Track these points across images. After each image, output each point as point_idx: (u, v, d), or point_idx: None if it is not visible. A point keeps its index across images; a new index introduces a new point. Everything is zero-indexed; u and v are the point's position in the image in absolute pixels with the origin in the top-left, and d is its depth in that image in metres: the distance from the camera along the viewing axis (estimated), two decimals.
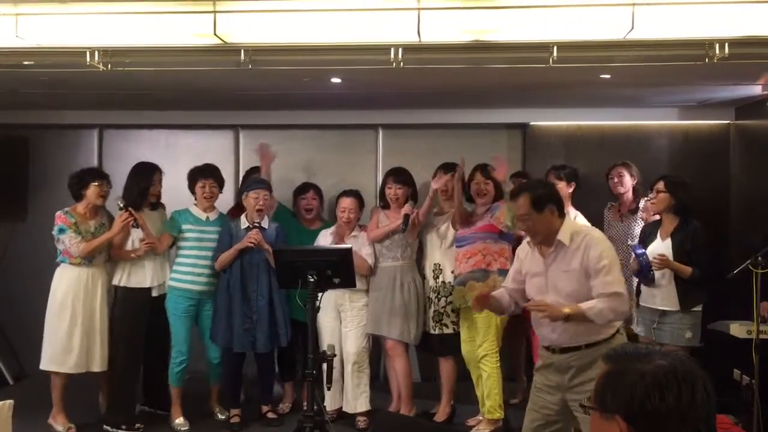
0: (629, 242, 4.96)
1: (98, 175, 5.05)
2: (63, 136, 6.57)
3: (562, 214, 3.35)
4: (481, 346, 4.85)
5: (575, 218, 4.83)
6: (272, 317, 5.01)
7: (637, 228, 5.14)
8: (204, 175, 5.16)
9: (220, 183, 5.23)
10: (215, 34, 3.57)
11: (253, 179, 5.33)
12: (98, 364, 4.95)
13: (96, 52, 3.82)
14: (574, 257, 3.26)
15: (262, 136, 6.50)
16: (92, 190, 4.93)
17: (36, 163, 6.54)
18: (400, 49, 3.74)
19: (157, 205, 5.26)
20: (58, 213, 4.93)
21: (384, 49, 3.74)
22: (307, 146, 6.44)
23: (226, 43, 3.72)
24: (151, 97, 5.65)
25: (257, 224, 4.96)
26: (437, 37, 3.63)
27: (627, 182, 5.29)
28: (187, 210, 5.17)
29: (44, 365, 4.93)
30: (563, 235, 3.29)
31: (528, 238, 3.46)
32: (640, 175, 5.32)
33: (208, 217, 5.16)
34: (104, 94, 5.45)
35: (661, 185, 4.67)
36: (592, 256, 3.22)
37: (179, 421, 5.06)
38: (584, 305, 3.18)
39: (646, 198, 5.21)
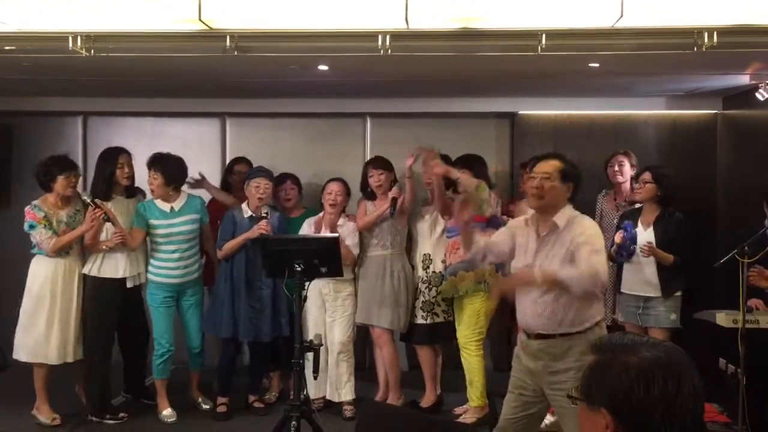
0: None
1: (65, 166, 4.88)
2: (47, 124, 6.48)
3: (570, 200, 3.35)
4: (462, 333, 4.86)
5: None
6: (275, 306, 4.99)
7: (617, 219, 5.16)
8: (148, 166, 5.01)
9: (162, 172, 4.94)
10: (200, 20, 3.51)
11: (256, 168, 5.28)
12: (73, 354, 4.88)
13: (78, 38, 3.75)
14: (564, 240, 3.23)
15: (248, 124, 6.49)
16: (60, 183, 4.82)
17: (19, 150, 6.45)
18: (387, 37, 3.70)
19: (134, 192, 5.15)
20: (26, 208, 4.83)
21: (371, 36, 3.70)
22: (295, 135, 6.40)
23: (211, 28, 3.66)
24: (137, 84, 5.57)
25: (266, 214, 4.92)
26: (425, 24, 3.58)
27: (627, 171, 5.26)
28: (152, 202, 5.02)
29: (24, 357, 4.86)
30: (560, 218, 3.26)
31: (525, 216, 3.44)
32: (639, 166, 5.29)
33: (172, 207, 5.01)
34: (88, 81, 5.36)
35: (648, 176, 4.71)
36: (578, 233, 3.20)
37: (167, 412, 5.00)
38: (560, 272, 3.14)
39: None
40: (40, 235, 4.76)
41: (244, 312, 4.95)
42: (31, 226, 4.78)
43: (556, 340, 3.23)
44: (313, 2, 3.55)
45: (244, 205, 5.08)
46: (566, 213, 3.28)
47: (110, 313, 4.94)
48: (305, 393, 4.35)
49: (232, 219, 5.03)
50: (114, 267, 4.90)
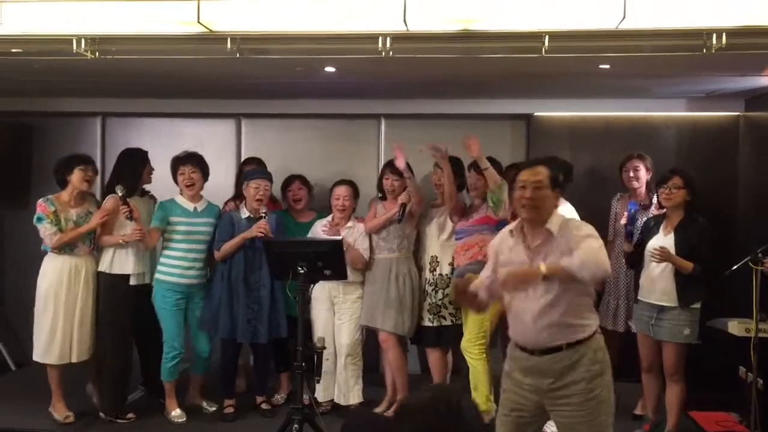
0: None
1: (83, 160, 4.94)
2: (66, 124, 6.56)
3: (558, 205, 3.22)
4: (465, 337, 4.81)
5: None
6: (273, 307, 4.98)
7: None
8: (182, 163, 5.01)
9: (202, 169, 5.05)
10: (199, 22, 3.52)
11: (255, 169, 5.30)
12: (77, 355, 4.89)
13: (82, 40, 3.79)
14: (559, 247, 3.08)
15: (263, 125, 6.51)
16: (77, 175, 4.84)
17: (39, 150, 6.54)
18: (388, 38, 3.66)
19: (145, 193, 5.18)
20: (39, 201, 4.85)
21: (372, 37, 3.67)
22: (310, 135, 6.40)
23: (211, 31, 3.67)
24: (151, 85, 5.62)
25: (263, 214, 4.93)
26: (424, 26, 3.54)
27: (642, 176, 5.09)
28: (173, 201, 5.04)
29: (35, 356, 4.93)
30: (553, 225, 3.12)
31: (510, 227, 3.27)
32: (654, 169, 5.14)
33: (195, 208, 5.04)
34: (104, 82, 5.42)
35: (679, 181, 4.51)
36: (573, 234, 3.06)
37: (176, 413, 5.01)
38: (563, 261, 2.99)
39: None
40: (44, 230, 4.79)
41: (243, 313, 4.93)
42: (39, 219, 4.80)
43: (564, 352, 3.09)
44: (313, 4, 3.53)
45: (242, 206, 5.08)
46: (557, 219, 3.13)
47: (123, 311, 4.93)
48: (310, 396, 4.36)
49: (230, 220, 5.01)
50: (125, 263, 4.91)
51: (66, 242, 4.81)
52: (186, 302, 5.02)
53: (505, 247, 3.24)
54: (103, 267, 4.93)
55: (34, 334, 4.92)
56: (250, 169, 5.40)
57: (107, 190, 5.08)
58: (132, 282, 4.94)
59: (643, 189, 5.12)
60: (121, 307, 4.94)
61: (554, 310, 3.09)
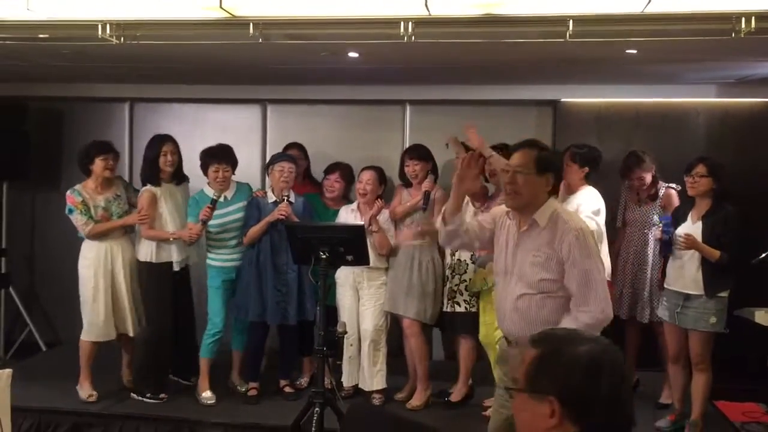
0: (656, 218, 4.82)
1: (103, 148, 5.01)
2: (95, 109, 6.66)
3: (553, 193, 3.06)
4: (483, 331, 4.77)
5: (578, 205, 4.57)
6: (300, 290, 5.02)
7: (656, 216, 4.94)
8: (217, 159, 5.02)
9: (233, 165, 5.09)
10: (221, 7, 3.53)
11: (279, 153, 5.32)
12: (132, 329, 5.09)
13: (108, 25, 3.82)
14: (545, 241, 2.94)
15: (289, 110, 6.53)
16: (98, 165, 4.96)
17: (70, 135, 6.65)
18: (410, 23, 3.63)
19: (182, 180, 5.23)
20: (67, 192, 4.98)
21: (394, 22, 3.64)
22: (335, 121, 6.40)
23: (234, 16, 3.67)
24: (178, 71, 5.65)
25: (285, 197, 4.95)
26: (446, 10, 3.51)
27: (648, 179, 5.02)
28: (203, 193, 5.06)
29: (82, 335, 5.08)
30: (541, 216, 2.96)
31: (507, 209, 3.12)
32: (656, 161, 5.05)
33: (225, 197, 5.07)
34: (131, 68, 5.47)
35: (703, 169, 4.46)
36: (566, 242, 2.90)
37: (206, 394, 5.06)
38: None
39: (667, 185, 5.03)
40: (76, 221, 4.96)
41: (272, 296, 4.98)
42: (70, 211, 4.97)
43: None
44: None
45: (269, 191, 5.11)
46: (548, 209, 2.97)
47: (166, 294, 5.09)
48: (331, 380, 4.38)
49: (257, 205, 5.05)
50: (168, 252, 5.06)
51: (100, 232, 4.98)
52: (232, 283, 5.13)
53: (503, 224, 3.15)
54: (147, 257, 5.05)
55: (82, 314, 5.10)
56: (292, 153, 5.46)
57: (140, 176, 5.14)
58: (176, 268, 5.08)
59: (650, 184, 5.06)
60: (163, 292, 5.08)
61: (530, 303, 2.99)
